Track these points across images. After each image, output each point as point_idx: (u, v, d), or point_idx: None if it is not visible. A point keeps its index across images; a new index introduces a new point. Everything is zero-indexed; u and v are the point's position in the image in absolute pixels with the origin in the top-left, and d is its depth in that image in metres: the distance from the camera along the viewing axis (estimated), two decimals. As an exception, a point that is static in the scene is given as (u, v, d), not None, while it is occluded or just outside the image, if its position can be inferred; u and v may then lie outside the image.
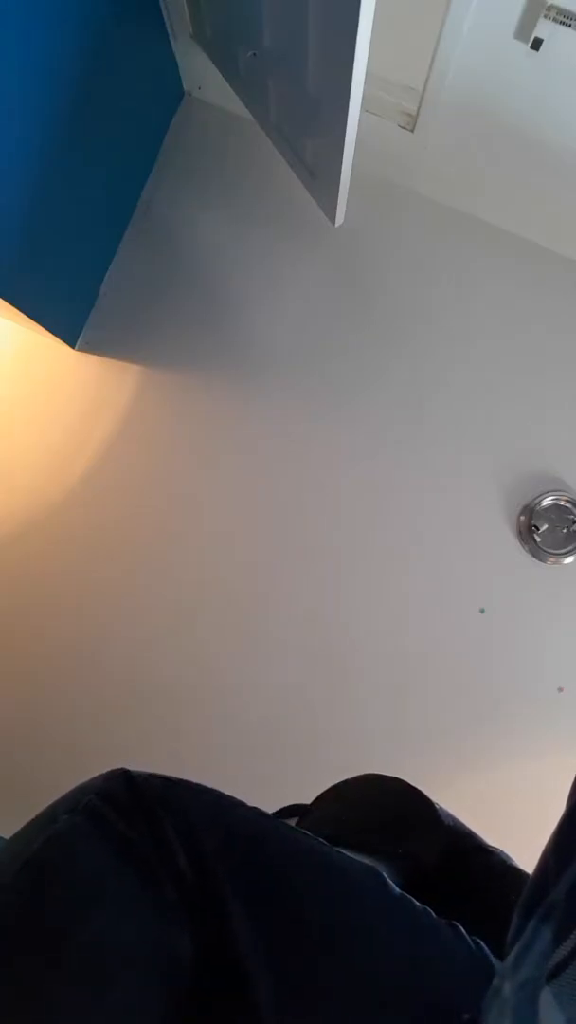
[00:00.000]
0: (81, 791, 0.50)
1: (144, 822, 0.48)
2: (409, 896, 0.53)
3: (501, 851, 0.69)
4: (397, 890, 0.52)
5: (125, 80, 1.77)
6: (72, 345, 1.99)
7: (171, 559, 1.94)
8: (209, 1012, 0.45)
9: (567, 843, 0.36)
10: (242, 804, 0.54)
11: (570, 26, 1.33)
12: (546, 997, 0.30)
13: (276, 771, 1.79)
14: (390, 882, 0.53)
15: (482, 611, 1.89)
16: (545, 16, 1.33)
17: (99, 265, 2.02)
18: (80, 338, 2.01)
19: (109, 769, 0.52)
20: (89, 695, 1.92)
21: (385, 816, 0.73)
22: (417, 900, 0.54)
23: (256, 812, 0.54)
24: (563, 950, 0.31)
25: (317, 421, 1.97)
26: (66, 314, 1.95)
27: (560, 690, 1.86)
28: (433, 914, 0.52)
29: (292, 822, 0.80)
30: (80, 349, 2.01)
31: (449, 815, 0.72)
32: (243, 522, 1.95)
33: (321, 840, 0.54)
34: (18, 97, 1.38)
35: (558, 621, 1.89)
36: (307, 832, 0.55)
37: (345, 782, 0.81)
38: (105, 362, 2.01)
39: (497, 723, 1.87)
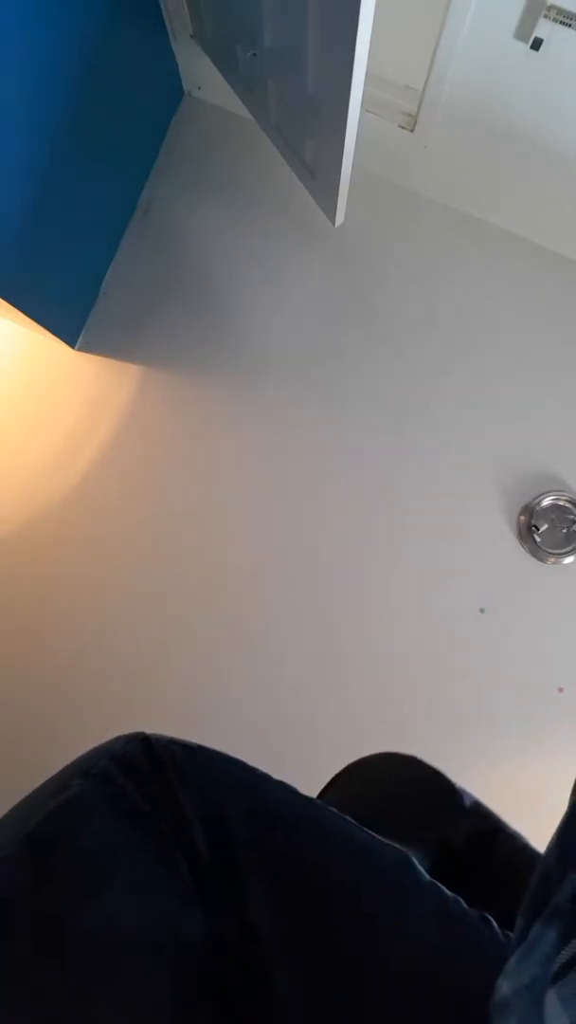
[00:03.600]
0: (98, 754, 0.48)
1: (161, 793, 0.45)
2: (439, 884, 0.51)
3: (522, 835, 0.65)
4: (427, 877, 0.50)
5: (125, 80, 1.77)
6: (72, 345, 1.99)
7: (171, 559, 1.94)
8: (225, 999, 0.42)
9: (569, 844, 0.36)
10: (268, 778, 0.52)
11: (570, 26, 1.33)
12: (551, 999, 0.30)
13: (274, 773, 1.79)
14: (420, 868, 0.50)
15: (482, 611, 1.89)
16: (545, 16, 1.33)
17: (99, 265, 2.02)
18: (80, 338, 2.01)
19: (128, 732, 0.50)
20: (89, 695, 1.91)
21: (406, 800, 0.69)
22: (447, 888, 0.52)
23: (283, 788, 0.52)
24: (568, 952, 0.31)
25: (317, 420, 1.97)
26: (66, 314, 1.95)
27: (560, 690, 1.86)
28: (464, 903, 0.50)
29: None
30: (80, 349, 2.00)
31: (470, 796, 0.69)
32: (243, 523, 1.95)
33: (350, 820, 0.52)
34: (17, 97, 1.38)
35: (558, 621, 1.88)
36: (335, 810, 0.53)
37: (360, 762, 0.77)
38: (105, 362, 2.00)
39: (497, 723, 1.87)
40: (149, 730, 0.52)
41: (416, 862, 0.51)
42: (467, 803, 0.67)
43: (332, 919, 0.46)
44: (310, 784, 0.84)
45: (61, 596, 1.94)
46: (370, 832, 0.51)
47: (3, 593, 1.96)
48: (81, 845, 0.43)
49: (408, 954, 0.46)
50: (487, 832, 0.65)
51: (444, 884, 0.52)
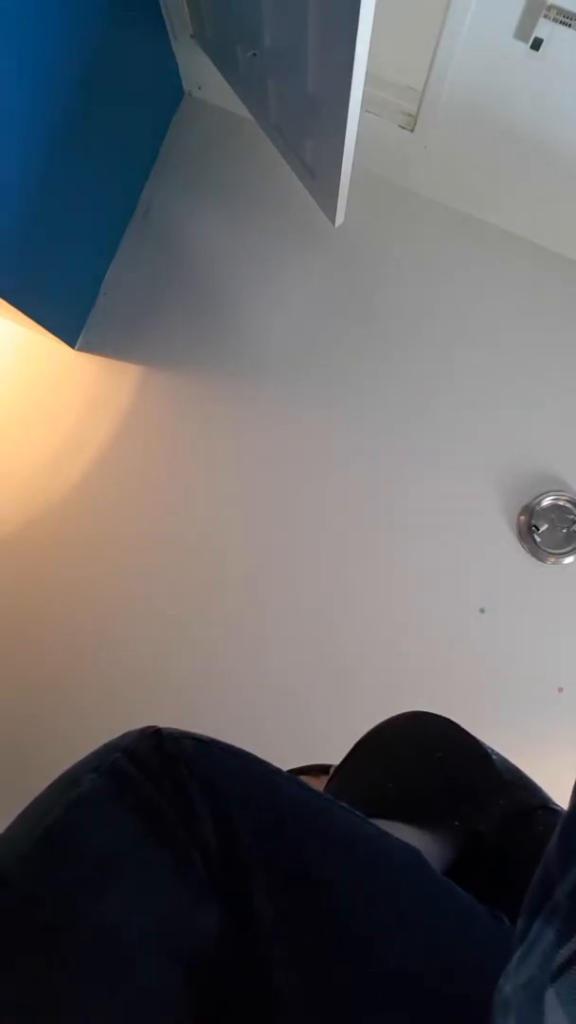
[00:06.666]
0: (109, 749, 0.48)
1: (172, 786, 0.45)
2: (451, 882, 0.49)
3: (562, 809, 0.62)
4: (438, 875, 0.49)
5: (125, 80, 1.77)
6: (72, 345, 1.99)
7: (171, 559, 1.94)
8: (227, 995, 0.42)
9: (570, 843, 0.36)
10: (279, 772, 0.51)
11: (570, 26, 1.33)
12: (550, 998, 0.30)
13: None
14: (431, 866, 0.49)
15: (482, 611, 1.89)
16: (545, 16, 1.33)
17: (99, 265, 2.02)
18: (80, 338, 2.01)
19: (141, 726, 0.49)
20: (89, 695, 1.91)
21: (435, 778, 0.65)
22: (466, 879, 0.50)
23: (293, 782, 0.51)
24: (566, 951, 0.31)
25: (317, 421, 1.97)
26: (66, 314, 1.95)
27: (560, 690, 1.86)
28: (476, 903, 0.49)
29: (322, 781, 0.75)
30: (80, 349, 2.00)
31: (507, 765, 0.66)
32: (243, 523, 1.95)
33: (360, 815, 0.51)
34: (18, 97, 1.38)
35: (558, 621, 1.88)
36: (345, 805, 0.52)
37: (387, 727, 0.74)
38: (105, 362, 2.00)
39: (497, 723, 1.87)
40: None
41: (427, 859, 0.49)
42: (505, 777, 0.64)
43: (336, 918, 0.45)
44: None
45: (61, 596, 1.94)
46: (380, 827, 0.50)
47: (3, 593, 1.96)
48: (94, 841, 0.43)
49: (413, 954, 0.45)
50: (526, 810, 0.62)
51: (472, 877, 0.50)
